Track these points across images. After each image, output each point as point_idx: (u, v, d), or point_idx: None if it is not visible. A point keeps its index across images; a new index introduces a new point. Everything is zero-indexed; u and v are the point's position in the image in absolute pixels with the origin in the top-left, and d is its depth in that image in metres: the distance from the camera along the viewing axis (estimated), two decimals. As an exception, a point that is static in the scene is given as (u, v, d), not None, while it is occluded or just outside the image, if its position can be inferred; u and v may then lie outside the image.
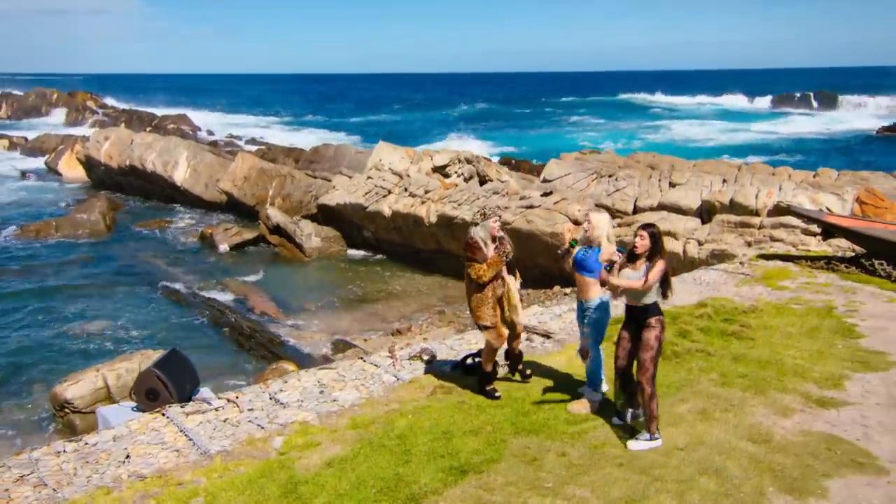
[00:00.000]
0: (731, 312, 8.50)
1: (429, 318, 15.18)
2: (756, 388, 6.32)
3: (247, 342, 13.90)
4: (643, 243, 5.20)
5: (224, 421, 6.07)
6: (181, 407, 6.42)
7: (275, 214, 21.71)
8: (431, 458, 5.20)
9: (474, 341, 7.79)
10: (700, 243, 14.47)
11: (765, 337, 7.65)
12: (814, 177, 16.60)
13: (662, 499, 4.62)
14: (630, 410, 5.64)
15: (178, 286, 17.80)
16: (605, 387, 6.22)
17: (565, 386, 6.44)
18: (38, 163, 38.75)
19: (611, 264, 5.44)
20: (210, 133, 54.12)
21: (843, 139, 53.87)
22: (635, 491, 4.71)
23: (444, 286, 17.77)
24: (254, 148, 39.98)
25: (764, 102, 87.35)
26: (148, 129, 48.19)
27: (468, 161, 21.34)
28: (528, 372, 6.62)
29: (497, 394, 6.29)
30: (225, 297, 16.98)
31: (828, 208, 13.58)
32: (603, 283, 5.53)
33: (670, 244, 14.78)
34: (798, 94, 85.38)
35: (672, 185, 16.66)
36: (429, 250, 19.33)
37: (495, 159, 32.11)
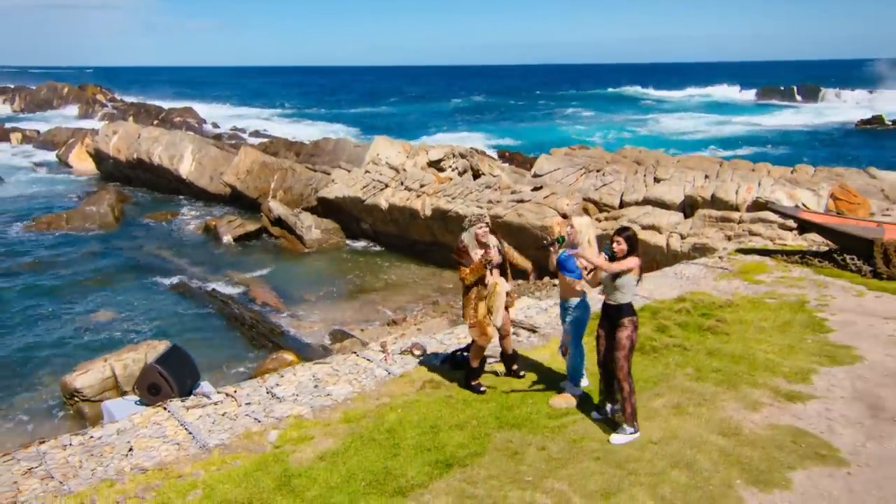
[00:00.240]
0: (709, 307, 8.83)
1: (423, 309, 15.61)
2: (728, 383, 6.63)
3: (248, 332, 14.20)
4: (621, 248, 5.52)
5: (223, 415, 6.31)
6: (182, 401, 6.66)
7: (276, 207, 22.12)
8: (419, 452, 5.45)
9: (463, 336, 8.06)
10: (683, 237, 14.83)
11: (739, 332, 7.98)
12: (791, 173, 17.02)
13: (636, 492, 4.89)
14: (609, 405, 5.95)
15: (183, 278, 18.18)
16: (586, 382, 6.51)
17: (549, 380, 6.73)
18: (50, 156, 39.10)
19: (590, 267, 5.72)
20: (215, 126, 54.35)
21: (824, 132, 54.86)
22: (610, 484, 4.98)
23: (438, 276, 18.33)
24: (257, 140, 40.41)
25: (749, 95, 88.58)
26: (155, 121, 48.55)
27: (462, 156, 21.67)
28: (522, 373, 6.89)
29: (482, 388, 6.56)
30: (228, 288, 17.41)
31: (804, 204, 13.99)
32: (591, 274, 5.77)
33: (654, 238, 15.14)
34: (782, 87, 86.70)
35: (657, 180, 17.01)
36: (424, 242, 19.73)
37: (490, 151, 32.79)
